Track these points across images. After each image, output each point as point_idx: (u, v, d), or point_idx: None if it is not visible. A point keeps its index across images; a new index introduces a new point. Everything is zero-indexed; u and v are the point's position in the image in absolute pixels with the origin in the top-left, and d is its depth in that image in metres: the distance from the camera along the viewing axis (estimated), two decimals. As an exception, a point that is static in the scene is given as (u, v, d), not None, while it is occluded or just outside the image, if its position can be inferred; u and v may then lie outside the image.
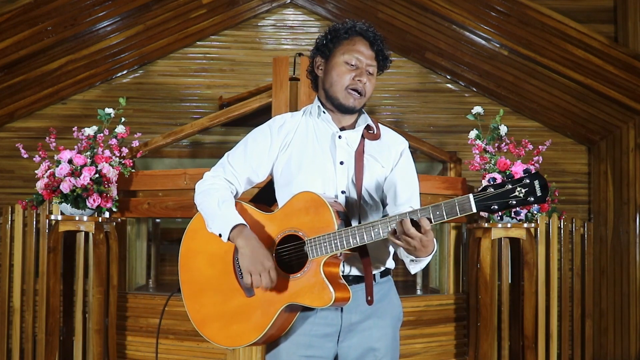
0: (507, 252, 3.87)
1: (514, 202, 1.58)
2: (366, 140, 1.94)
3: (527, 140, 3.78)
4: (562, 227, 4.43)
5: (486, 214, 3.63)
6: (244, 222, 1.83)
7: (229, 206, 1.86)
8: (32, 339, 3.88)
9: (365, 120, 1.98)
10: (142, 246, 4.19)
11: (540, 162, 3.76)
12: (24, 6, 4.17)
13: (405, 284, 4.86)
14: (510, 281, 3.92)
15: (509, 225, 3.67)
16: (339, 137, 1.92)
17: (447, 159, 4.37)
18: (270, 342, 1.90)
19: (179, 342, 3.47)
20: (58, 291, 3.52)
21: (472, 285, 3.82)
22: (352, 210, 1.87)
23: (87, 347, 3.69)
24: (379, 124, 2.02)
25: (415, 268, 1.81)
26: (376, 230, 1.70)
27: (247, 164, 1.94)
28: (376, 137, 1.96)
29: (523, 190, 1.57)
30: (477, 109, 3.79)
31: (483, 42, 4.81)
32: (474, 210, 1.61)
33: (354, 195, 1.87)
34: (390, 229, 1.67)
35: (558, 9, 4.54)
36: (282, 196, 1.92)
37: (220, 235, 1.83)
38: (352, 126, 1.97)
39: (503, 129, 3.74)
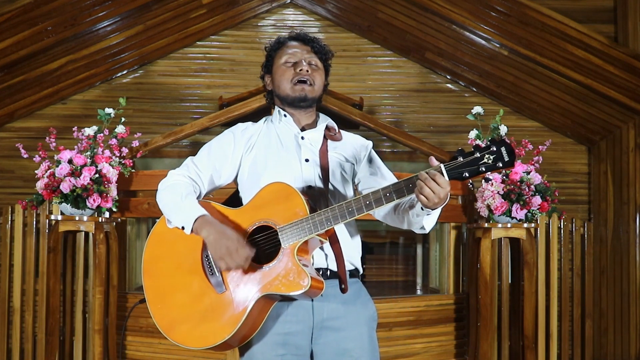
0: (507, 252, 3.87)
1: (483, 169, 1.65)
2: (329, 140, 2.00)
3: (527, 140, 3.78)
4: (562, 227, 4.43)
5: (486, 213, 3.65)
6: (207, 213, 1.83)
7: (192, 199, 1.87)
8: (32, 339, 3.87)
9: (325, 120, 2.05)
10: (142, 246, 4.18)
11: (540, 162, 3.76)
12: (24, 6, 4.17)
13: (405, 284, 4.87)
14: (510, 281, 3.92)
15: (509, 225, 3.67)
16: (302, 137, 1.97)
17: (447, 159, 4.37)
18: (243, 346, 1.86)
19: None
20: (58, 291, 3.52)
21: (472, 285, 3.82)
22: (320, 205, 1.88)
23: (87, 347, 3.69)
24: (341, 130, 2.08)
25: (429, 223, 1.84)
26: (350, 209, 1.72)
27: (211, 164, 1.97)
28: (337, 138, 2.03)
29: (491, 157, 1.65)
30: (477, 109, 3.79)
31: (483, 42, 4.81)
32: (446, 178, 1.67)
33: (321, 190, 1.91)
34: (364, 207, 1.71)
35: (558, 9, 4.54)
36: (249, 198, 1.92)
37: (183, 228, 1.82)
38: (313, 125, 2.02)
39: (503, 129, 3.74)
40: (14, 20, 4.21)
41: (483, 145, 1.66)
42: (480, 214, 3.68)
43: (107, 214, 3.51)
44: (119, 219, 3.68)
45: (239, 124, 2.05)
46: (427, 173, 1.67)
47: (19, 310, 3.89)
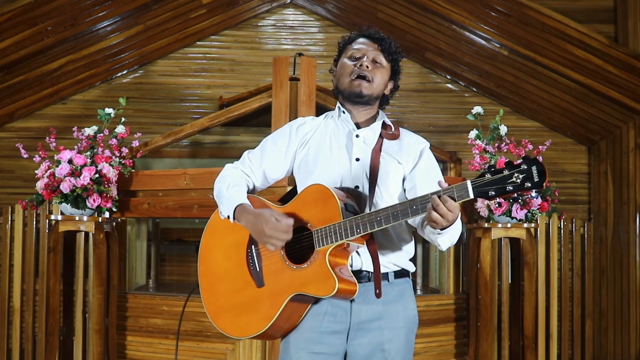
0: (507, 252, 3.87)
1: (511, 188, 1.57)
2: (384, 139, 1.97)
3: (527, 140, 3.77)
4: (562, 227, 4.43)
5: (486, 213, 3.65)
6: (247, 202, 1.88)
7: (237, 189, 1.92)
8: (32, 339, 3.88)
9: (382, 118, 2.03)
10: (142, 246, 4.19)
11: (540, 162, 3.76)
12: (24, 6, 4.17)
13: (405, 284, 4.86)
14: (510, 281, 3.92)
15: (509, 225, 3.67)
16: (357, 135, 1.96)
17: (447, 159, 4.37)
18: (283, 335, 1.93)
19: (179, 342, 3.47)
20: (58, 291, 3.52)
21: (472, 285, 3.82)
22: (364, 206, 1.88)
23: (87, 347, 3.69)
24: (400, 127, 2.05)
25: (445, 241, 1.81)
26: (379, 219, 1.72)
27: (264, 160, 2.02)
28: (395, 137, 2.00)
29: (520, 176, 1.56)
30: (477, 109, 3.79)
31: (483, 42, 4.81)
32: (472, 196, 1.61)
33: (367, 191, 1.90)
34: (392, 218, 1.69)
35: (558, 9, 4.54)
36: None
37: (228, 217, 1.89)
38: (370, 123, 2.00)
39: (503, 129, 3.74)
40: (14, 20, 4.21)
41: (515, 163, 1.58)
42: (480, 214, 3.68)
43: (107, 214, 3.51)
44: (119, 219, 3.68)
45: (298, 118, 2.08)
46: (439, 198, 1.63)
47: (19, 310, 3.89)
